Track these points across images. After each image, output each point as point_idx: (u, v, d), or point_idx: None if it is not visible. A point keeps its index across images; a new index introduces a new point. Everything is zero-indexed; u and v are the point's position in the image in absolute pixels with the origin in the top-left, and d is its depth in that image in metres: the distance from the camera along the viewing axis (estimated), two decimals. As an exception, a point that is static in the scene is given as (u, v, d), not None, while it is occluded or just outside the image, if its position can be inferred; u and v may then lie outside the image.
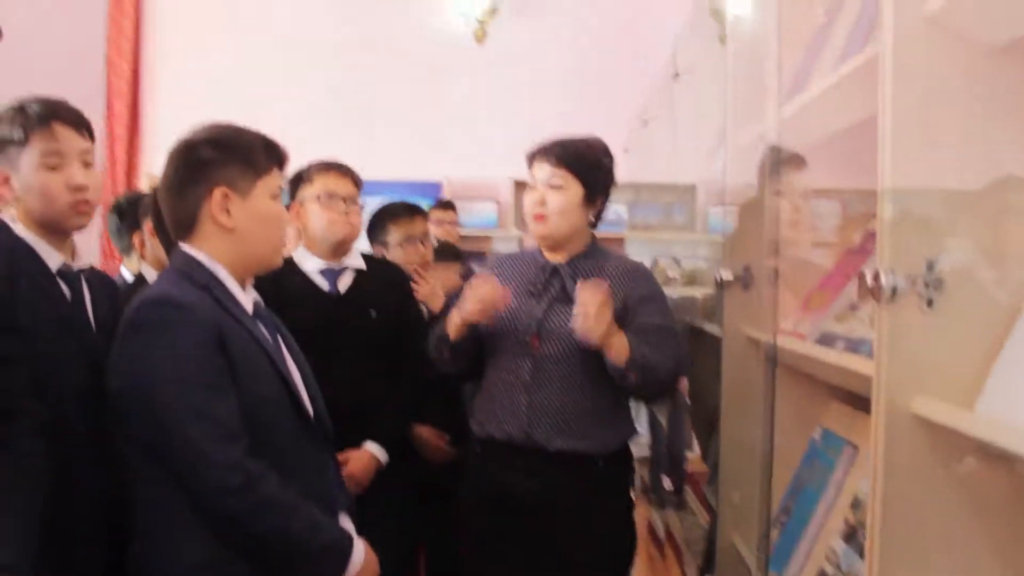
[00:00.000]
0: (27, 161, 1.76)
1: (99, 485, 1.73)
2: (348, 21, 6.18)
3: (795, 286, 1.88)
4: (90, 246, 2.93)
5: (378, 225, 3.15)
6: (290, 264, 2.64)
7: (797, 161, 1.98)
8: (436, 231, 4.28)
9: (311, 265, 2.63)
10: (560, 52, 6.09)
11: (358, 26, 6.17)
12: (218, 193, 1.72)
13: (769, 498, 1.77)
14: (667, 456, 3.22)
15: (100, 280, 1.95)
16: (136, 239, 2.74)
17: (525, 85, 6.08)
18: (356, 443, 2.53)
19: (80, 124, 1.84)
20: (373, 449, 2.54)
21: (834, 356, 1.47)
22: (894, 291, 1.10)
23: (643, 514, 3.65)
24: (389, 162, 5.91)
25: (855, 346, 1.48)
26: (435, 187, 5.99)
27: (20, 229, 1.78)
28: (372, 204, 4.07)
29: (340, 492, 1.91)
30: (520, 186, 5.93)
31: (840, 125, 1.66)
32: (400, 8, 6.18)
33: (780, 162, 1.77)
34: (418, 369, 2.66)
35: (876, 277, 1.11)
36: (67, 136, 1.80)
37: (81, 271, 1.85)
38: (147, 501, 1.66)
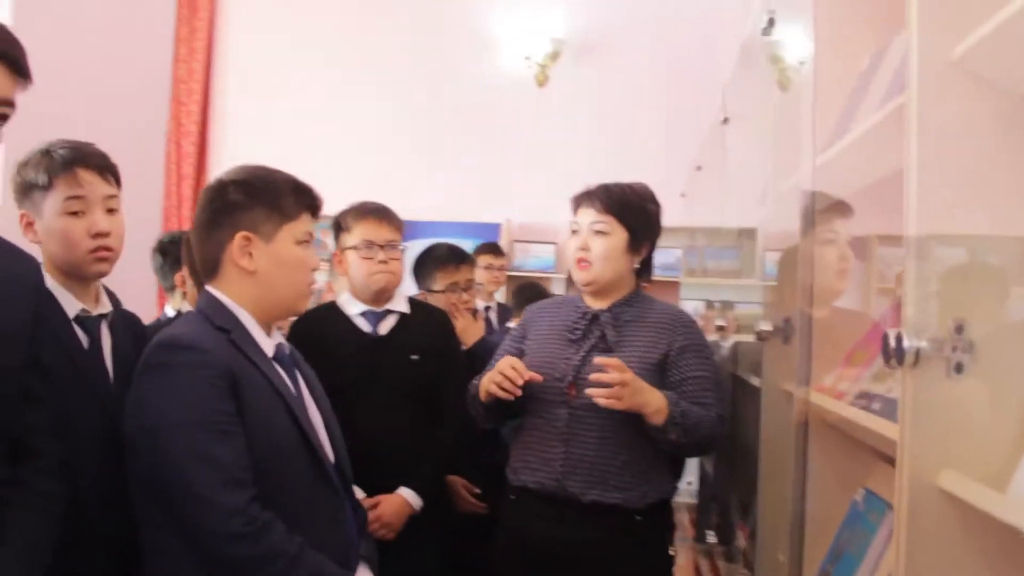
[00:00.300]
0: (50, 206, 1.78)
1: (110, 530, 1.73)
2: (413, 65, 6.27)
3: (839, 340, 1.80)
4: (148, 285, 2.97)
5: (423, 269, 3.12)
6: (334, 309, 2.65)
7: (843, 208, 1.91)
8: (483, 276, 4.25)
9: (354, 309, 2.62)
10: (620, 96, 6.09)
11: (422, 69, 6.26)
12: (239, 237, 1.73)
13: (801, 563, 1.68)
14: (714, 506, 3.12)
15: (127, 323, 1.97)
16: (178, 278, 2.77)
17: (585, 129, 6.08)
18: (391, 487, 2.49)
19: (105, 169, 1.85)
20: (407, 495, 2.50)
21: (866, 418, 1.39)
22: (918, 355, 1.02)
23: (691, 561, 3.55)
24: (450, 203, 5.98)
25: (890, 409, 1.40)
26: (494, 228, 6.00)
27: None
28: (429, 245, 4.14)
29: (361, 542, 1.87)
30: (578, 229, 5.92)
31: (879, 173, 1.58)
32: (463, 52, 6.25)
33: (817, 210, 1.70)
34: (459, 416, 2.61)
35: (899, 339, 1.04)
36: (91, 182, 1.81)
37: (103, 316, 1.86)
38: (155, 545, 1.65)
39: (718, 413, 2.23)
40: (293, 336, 2.60)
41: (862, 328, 1.84)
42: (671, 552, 2.40)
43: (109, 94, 2.73)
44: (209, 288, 1.78)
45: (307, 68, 6.32)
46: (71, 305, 1.79)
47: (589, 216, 2.31)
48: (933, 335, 1.03)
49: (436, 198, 6.08)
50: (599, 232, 2.28)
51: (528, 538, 2.29)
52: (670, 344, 2.26)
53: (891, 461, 1.68)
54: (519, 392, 2.19)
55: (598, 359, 2.10)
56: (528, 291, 3.76)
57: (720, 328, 2.93)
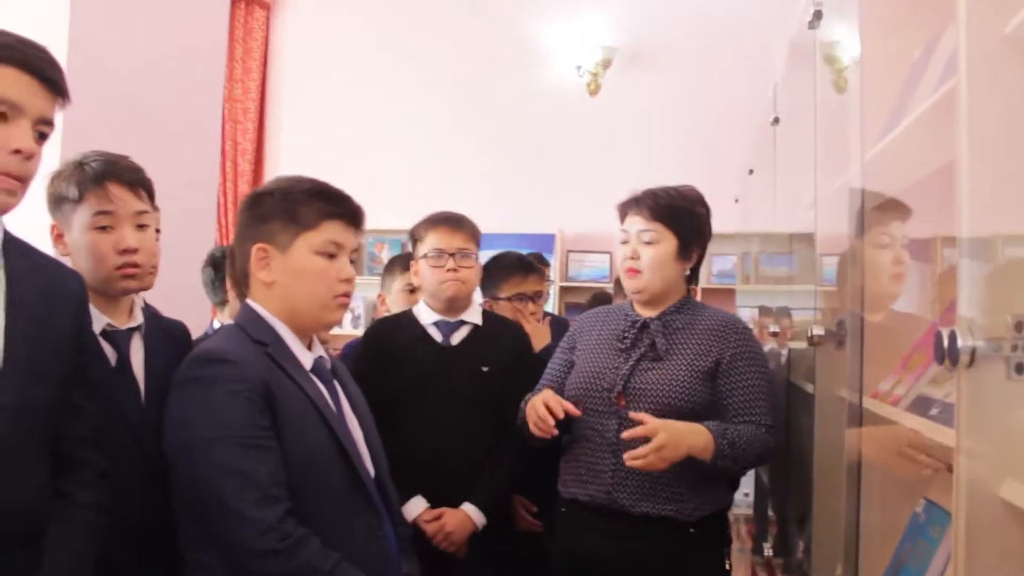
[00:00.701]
0: (79, 220, 1.78)
1: (141, 545, 1.73)
2: (464, 77, 6.29)
3: (896, 344, 1.73)
4: (205, 301, 3.00)
5: (490, 277, 3.03)
6: (409, 317, 2.64)
7: (897, 208, 1.83)
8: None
9: (427, 318, 2.59)
10: (672, 102, 6.03)
11: (474, 81, 6.28)
12: (255, 249, 1.73)
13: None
14: (770, 517, 3.04)
15: (167, 335, 1.96)
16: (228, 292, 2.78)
17: (637, 136, 6.04)
18: (454, 499, 2.45)
19: (137, 184, 1.84)
20: (470, 511, 2.44)
21: (923, 424, 1.31)
22: (973, 355, 0.95)
23: (750, 574, 3.46)
24: (504, 214, 5.96)
25: (949, 414, 1.32)
26: (549, 239, 5.98)
27: None
28: (485, 257, 4.07)
29: (403, 559, 1.84)
30: (633, 237, 5.86)
31: (930, 167, 1.51)
32: (515, 63, 6.25)
33: (867, 209, 1.63)
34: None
35: (952, 338, 0.97)
36: (121, 197, 1.80)
37: (134, 329, 1.86)
38: (195, 562, 1.64)
39: (768, 425, 2.16)
40: (366, 340, 2.66)
41: (919, 331, 1.76)
42: (727, 566, 2.32)
43: (164, 112, 2.75)
44: (249, 301, 1.78)
45: (359, 83, 6.38)
46: (97, 320, 1.78)
47: (637, 224, 2.26)
48: (991, 334, 0.95)
49: (490, 209, 6.02)
50: (648, 241, 2.24)
51: (580, 552, 2.24)
52: (721, 352, 2.20)
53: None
54: (555, 432, 2.14)
55: (628, 433, 2.04)
56: (603, 299, 3.64)
57: (774, 334, 2.84)
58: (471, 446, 2.46)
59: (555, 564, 2.34)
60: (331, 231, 1.74)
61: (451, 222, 2.59)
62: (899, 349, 1.73)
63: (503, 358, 2.57)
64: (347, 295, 1.78)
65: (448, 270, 2.52)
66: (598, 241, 6.08)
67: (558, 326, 4.01)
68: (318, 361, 1.80)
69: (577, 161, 6.13)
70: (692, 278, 2.35)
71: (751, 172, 3.74)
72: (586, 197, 6.06)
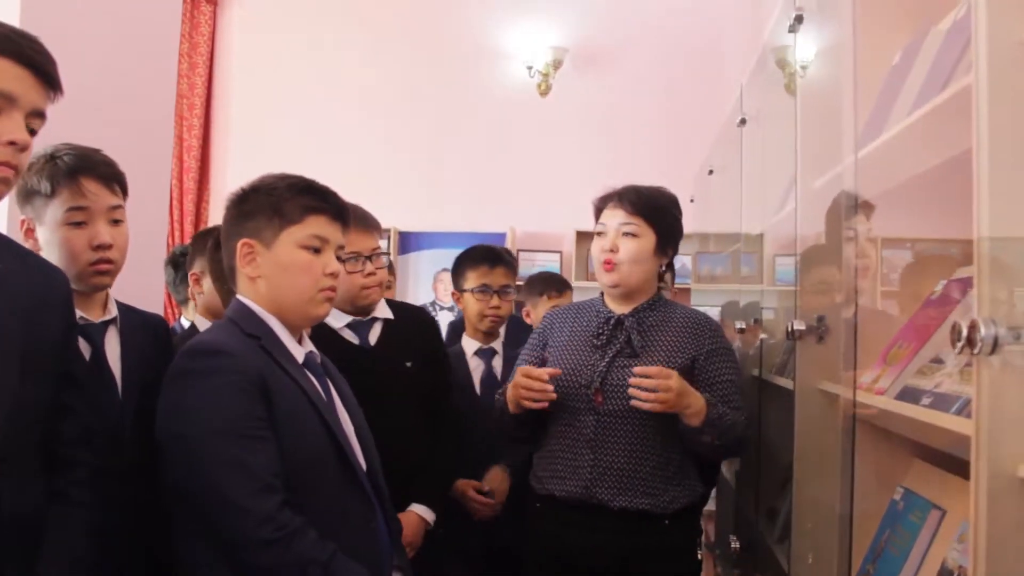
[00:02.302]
0: (51, 215, 1.75)
1: (126, 540, 1.71)
2: (413, 76, 6.26)
3: (867, 338, 1.79)
4: (156, 298, 2.94)
5: (457, 268, 3.00)
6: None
7: (865, 207, 1.90)
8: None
9: (336, 321, 2.44)
10: (623, 104, 6.09)
11: (425, 81, 6.25)
12: (241, 245, 1.75)
13: (850, 563, 1.66)
14: (734, 513, 3.10)
15: (142, 327, 1.92)
16: (190, 291, 2.73)
17: (589, 137, 6.08)
18: (401, 503, 2.39)
19: (111, 179, 1.82)
20: (420, 511, 2.43)
21: (920, 413, 1.37)
22: (995, 342, 1.00)
23: (709, 572, 3.52)
24: (455, 213, 5.97)
25: (944, 403, 1.38)
26: (500, 238, 5.98)
27: None
28: (434, 256, 4.06)
29: (395, 551, 1.86)
30: (583, 237, 5.91)
31: (923, 166, 1.57)
32: (465, 63, 6.24)
33: (848, 207, 1.69)
34: (457, 419, 2.58)
35: (973, 327, 1.01)
36: (95, 192, 1.78)
37: (108, 322, 1.83)
38: (188, 554, 1.64)
39: (746, 416, 2.23)
40: None
41: (893, 326, 1.83)
42: (699, 556, 2.38)
43: (115, 106, 2.70)
44: (239, 296, 1.79)
45: (307, 80, 6.31)
46: None
47: (618, 217, 2.28)
48: (1010, 323, 1.00)
49: (441, 209, 6.08)
50: (628, 234, 2.26)
51: (556, 546, 2.27)
52: (698, 349, 2.24)
53: (931, 459, 1.67)
54: (553, 396, 2.17)
55: (640, 369, 2.08)
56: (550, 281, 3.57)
57: (741, 331, 2.91)
58: (410, 445, 2.40)
59: (530, 557, 2.36)
60: (315, 226, 1.76)
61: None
62: (874, 343, 1.79)
63: (422, 349, 2.55)
64: (332, 289, 1.79)
65: (367, 274, 2.43)
66: (549, 240, 6.12)
67: (513, 325, 4.03)
68: (309, 356, 1.82)
69: (528, 161, 6.15)
70: (661, 277, 2.39)
71: (711, 172, 3.81)
72: (537, 196, 6.11)
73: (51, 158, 1.76)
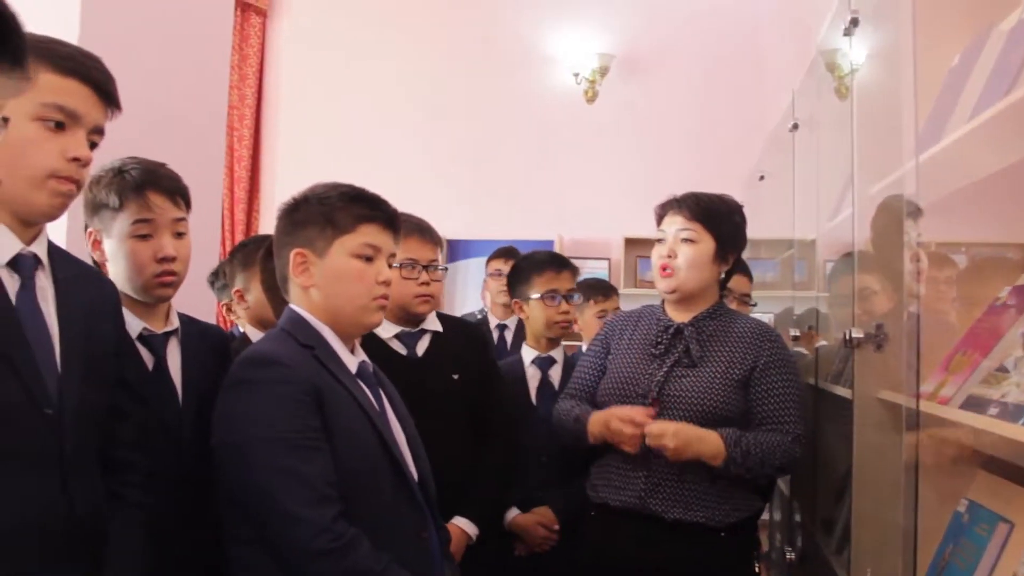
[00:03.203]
0: (119, 227, 1.79)
1: (183, 547, 1.74)
2: (460, 84, 6.30)
3: (925, 345, 1.75)
4: (210, 306, 2.98)
5: (519, 276, 2.84)
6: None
7: (915, 212, 1.86)
8: (495, 284, 3.99)
9: (385, 331, 2.42)
10: (670, 109, 6.07)
11: (470, 88, 6.28)
12: (294, 254, 1.76)
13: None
14: (789, 522, 3.05)
15: (201, 337, 1.96)
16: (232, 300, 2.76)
17: (636, 144, 6.07)
18: (445, 516, 2.32)
19: (176, 192, 1.86)
20: (463, 524, 2.38)
21: (988, 424, 1.33)
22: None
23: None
24: (502, 221, 5.97)
25: (1012, 413, 1.34)
26: (547, 245, 5.97)
27: None
28: (482, 264, 4.06)
29: (444, 563, 1.86)
30: (631, 243, 5.89)
31: (985, 171, 1.54)
32: (512, 70, 6.26)
33: (909, 213, 1.65)
34: (508, 433, 2.54)
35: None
36: (161, 205, 1.82)
37: (170, 333, 1.86)
38: (242, 562, 1.65)
39: (797, 434, 2.17)
40: None
41: (951, 332, 1.78)
42: (756, 569, 2.34)
43: (170, 117, 2.74)
44: (292, 306, 1.80)
45: (355, 88, 6.37)
46: (134, 324, 1.80)
47: (676, 223, 2.27)
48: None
49: (488, 216, 6.09)
50: (687, 240, 2.24)
51: (609, 557, 2.25)
52: (755, 360, 2.21)
53: (997, 470, 1.63)
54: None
55: (649, 427, 2.09)
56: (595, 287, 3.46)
57: (796, 339, 2.86)
58: (455, 458, 2.36)
59: (582, 567, 2.34)
60: (367, 234, 1.76)
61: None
62: (933, 350, 1.75)
63: (470, 363, 2.52)
64: (385, 297, 1.79)
65: (421, 283, 2.41)
66: (597, 247, 6.10)
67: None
68: (362, 365, 1.82)
69: (575, 167, 6.15)
70: (723, 286, 2.36)
71: (761, 178, 3.76)
72: (585, 203, 6.10)
73: (119, 172, 1.81)
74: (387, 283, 1.79)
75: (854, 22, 1.95)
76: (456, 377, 2.47)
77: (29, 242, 1.44)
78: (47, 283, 1.46)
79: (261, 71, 6.56)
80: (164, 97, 2.73)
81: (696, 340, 2.24)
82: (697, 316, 2.28)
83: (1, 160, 1.38)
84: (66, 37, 2.44)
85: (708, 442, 2.09)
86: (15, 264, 1.41)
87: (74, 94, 1.43)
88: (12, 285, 1.39)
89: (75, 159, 1.42)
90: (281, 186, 6.31)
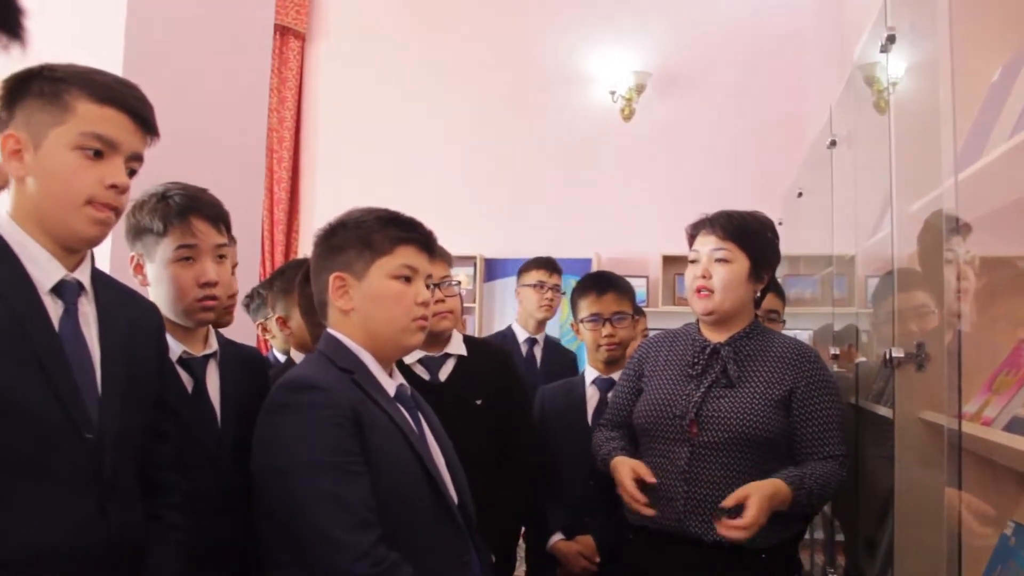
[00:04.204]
0: (162, 252, 1.82)
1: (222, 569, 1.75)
2: (496, 103, 6.34)
3: (967, 364, 1.72)
4: (249, 329, 3.02)
5: (571, 301, 2.90)
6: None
7: (963, 228, 1.83)
8: (532, 297, 3.81)
9: (409, 357, 2.42)
10: (707, 127, 6.06)
11: (509, 107, 6.33)
12: (333, 279, 1.77)
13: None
14: (831, 543, 3.00)
15: (240, 360, 1.98)
16: (274, 323, 2.78)
17: (673, 161, 6.06)
18: None
19: (218, 219, 1.88)
20: None
21: (1031, 446, 1.30)
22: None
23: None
24: (540, 239, 5.99)
25: (1055, 434, 1.32)
26: (586, 263, 5.99)
27: None
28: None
29: None
30: (669, 261, 5.87)
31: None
32: (548, 88, 6.29)
33: (956, 231, 1.63)
34: (528, 460, 2.54)
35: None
36: (204, 231, 1.84)
37: (209, 356, 1.89)
38: None
39: (841, 455, 2.14)
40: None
41: (994, 351, 1.75)
42: (797, 591, 2.31)
43: (210, 141, 2.79)
44: (330, 330, 1.81)
45: (394, 109, 6.44)
46: (174, 347, 1.82)
47: (710, 243, 2.24)
48: None
49: (526, 235, 6.11)
50: (721, 260, 2.22)
51: None
52: (796, 381, 2.17)
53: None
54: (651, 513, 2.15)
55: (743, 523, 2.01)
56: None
57: (835, 357, 2.83)
58: (476, 484, 2.29)
59: None
60: (405, 255, 1.78)
61: (545, 264, 2.65)
62: (979, 370, 1.72)
63: (494, 388, 2.49)
64: (425, 318, 1.80)
65: (437, 301, 2.37)
66: (635, 265, 6.08)
67: (559, 355, 3.89)
68: (400, 388, 1.82)
69: (613, 185, 6.16)
70: (759, 304, 2.34)
71: (800, 195, 3.73)
72: (622, 221, 6.10)
73: (162, 197, 1.83)
74: (426, 304, 1.80)
75: (891, 39, 1.93)
76: (479, 403, 2.45)
77: (73, 268, 1.47)
78: (90, 308, 1.49)
79: (300, 93, 6.65)
80: (205, 120, 2.78)
81: (734, 360, 2.22)
82: (734, 336, 2.26)
83: (43, 188, 1.42)
84: (110, 62, 2.53)
85: (779, 497, 2.03)
86: (59, 290, 1.44)
87: (112, 122, 1.45)
88: (55, 311, 1.42)
89: (113, 186, 1.45)
90: (320, 207, 6.39)
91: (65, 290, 1.44)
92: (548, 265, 3.89)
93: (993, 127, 1.63)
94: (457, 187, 6.22)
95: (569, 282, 5.95)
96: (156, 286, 1.84)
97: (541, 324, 3.85)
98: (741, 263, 2.22)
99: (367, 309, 1.76)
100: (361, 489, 1.58)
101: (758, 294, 2.29)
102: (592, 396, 2.78)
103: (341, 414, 1.62)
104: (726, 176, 5.84)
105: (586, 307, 2.76)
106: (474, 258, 6.09)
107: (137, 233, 1.84)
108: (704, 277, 2.23)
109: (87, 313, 1.48)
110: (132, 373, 1.52)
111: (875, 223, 2.50)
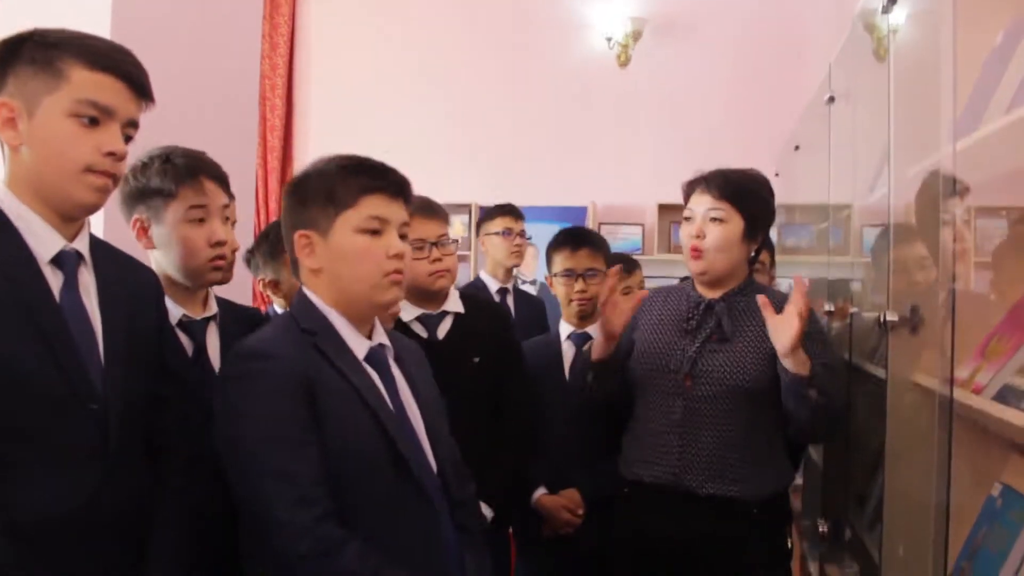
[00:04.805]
0: (172, 213, 1.82)
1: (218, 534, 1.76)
2: (493, 51, 6.26)
3: (961, 324, 1.73)
4: (245, 288, 3.01)
5: (546, 256, 2.93)
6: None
7: (961, 191, 1.83)
8: (500, 245, 3.78)
9: (407, 314, 2.44)
10: (704, 74, 6.00)
11: (502, 53, 6.24)
12: (297, 237, 1.68)
13: (945, 561, 1.62)
14: (822, 494, 3.06)
15: (240, 321, 1.99)
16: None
17: (669, 109, 6.01)
18: None
19: (223, 180, 1.90)
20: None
21: (1019, 418, 1.32)
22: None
23: (796, 556, 3.48)
24: (535, 187, 5.97)
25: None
26: (581, 211, 5.98)
27: None
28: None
29: (470, 551, 1.77)
30: (665, 209, 5.86)
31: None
32: (543, 35, 6.21)
33: (954, 194, 1.63)
34: (524, 416, 2.56)
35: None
36: (213, 191, 1.86)
37: (209, 319, 1.89)
38: (249, 554, 1.64)
39: (841, 398, 2.18)
40: None
41: (989, 311, 1.76)
42: (788, 544, 2.36)
43: (201, 92, 2.76)
44: (303, 288, 1.73)
45: (389, 56, 6.35)
46: (174, 311, 1.83)
47: (705, 203, 2.24)
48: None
49: (521, 183, 6.07)
50: (715, 219, 2.22)
51: (643, 534, 2.27)
52: None
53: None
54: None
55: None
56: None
57: (830, 313, 2.85)
58: (472, 442, 2.31)
59: (617, 543, 2.36)
60: (372, 206, 1.66)
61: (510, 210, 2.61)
62: (971, 333, 1.73)
63: (492, 345, 2.52)
64: (399, 271, 1.69)
65: (433, 259, 2.41)
66: (631, 213, 6.08)
67: (528, 306, 3.88)
68: (375, 350, 1.73)
69: (608, 133, 6.11)
70: (753, 262, 2.35)
71: (797, 148, 3.72)
72: (618, 169, 6.07)
73: (167, 159, 1.84)
74: (399, 256, 1.68)
75: (892, 0, 1.90)
76: (477, 360, 2.46)
77: (72, 238, 1.47)
78: (89, 278, 1.50)
79: (292, 39, 6.55)
80: (196, 69, 2.75)
81: (728, 315, 2.24)
82: (728, 292, 2.28)
83: (39, 157, 1.41)
84: (98, 9, 2.49)
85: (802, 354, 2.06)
86: (59, 261, 1.44)
87: (107, 89, 1.44)
88: (56, 282, 1.43)
89: (110, 153, 1.44)
90: (315, 155, 6.30)
91: (65, 260, 1.45)
92: (513, 212, 3.88)
93: (993, 93, 1.62)
94: (451, 135, 6.17)
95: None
96: (165, 248, 1.84)
97: (510, 272, 3.84)
98: (736, 223, 2.22)
99: (335, 267, 1.66)
100: (309, 463, 1.53)
101: (752, 254, 2.30)
102: (568, 351, 2.81)
103: (291, 382, 1.56)
104: (722, 125, 5.81)
105: (560, 262, 2.78)
106: (469, 206, 6.07)
107: (141, 196, 1.84)
108: (698, 237, 2.24)
109: (87, 283, 1.49)
110: (133, 341, 1.53)
111: (872, 180, 2.50)
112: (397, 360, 1.79)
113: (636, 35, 5.99)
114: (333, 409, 1.58)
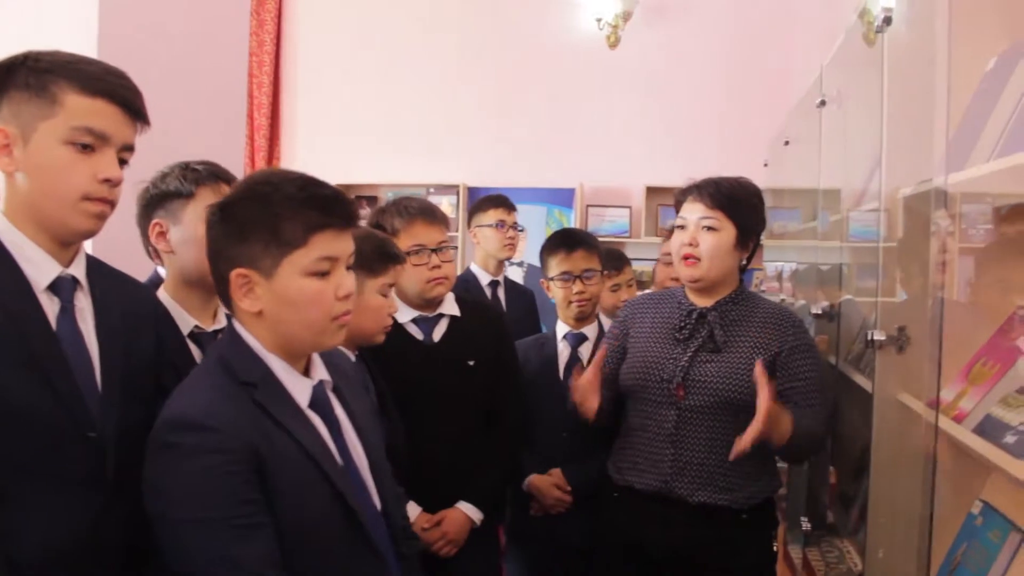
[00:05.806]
0: (192, 214, 1.81)
1: None
2: (481, 29, 6.21)
3: (955, 348, 1.75)
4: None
5: (540, 259, 2.91)
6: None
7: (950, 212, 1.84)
8: (492, 238, 3.74)
9: (403, 315, 2.40)
10: (694, 58, 5.97)
11: (491, 33, 6.20)
12: (235, 275, 1.47)
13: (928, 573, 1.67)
14: (807, 493, 3.10)
15: None
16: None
17: (658, 91, 5.99)
18: (450, 499, 2.42)
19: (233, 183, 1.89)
20: (467, 509, 2.41)
21: (1001, 459, 1.35)
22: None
23: (779, 549, 3.53)
24: (523, 168, 5.96)
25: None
26: (569, 193, 5.98)
27: (160, 292, 1.84)
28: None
29: None
30: (653, 192, 5.87)
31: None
32: (532, 14, 6.16)
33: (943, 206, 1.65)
34: (517, 421, 2.58)
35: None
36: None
37: (219, 331, 1.89)
38: None
39: (826, 417, 2.21)
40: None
41: (976, 328, 1.78)
42: (774, 548, 2.40)
43: (188, 91, 2.74)
44: (236, 326, 1.54)
45: (375, 38, 6.29)
46: (185, 322, 1.82)
47: (698, 211, 2.26)
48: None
49: (509, 164, 6.06)
50: (709, 228, 2.24)
51: (632, 540, 2.29)
52: (780, 345, 2.22)
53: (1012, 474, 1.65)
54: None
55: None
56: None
57: (818, 316, 2.87)
58: (464, 445, 2.41)
59: (603, 548, 2.39)
60: (322, 246, 1.48)
61: (426, 214, 2.48)
62: (958, 353, 1.75)
63: (486, 349, 2.51)
64: (347, 313, 1.54)
65: (432, 267, 2.40)
66: (618, 195, 6.07)
67: (520, 298, 3.87)
68: (317, 390, 1.58)
69: (597, 114, 6.08)
70: (744, 270, 2.37)
71: (786, 143, 3.72)
72: (607, 151, 6.06)
73: (186, 167, 1.86)
74: (348, 296, 1.52)
75: (887, 20, 1.90)
76: (472, 363, 2.47)
77: (67, 263, 1.47)
78: (86, 303, 1.49)
79: (279, 32, 6.47)
80: (183, 66, 2.73)
81: (720, 325, 2.26)
82: (720, 301, 2.29)
83: (35, 184, 1.41)
84: (85, 4, 2.46)
85: (786, 424, 2.06)
86: (55, 288, 1.44)
87: (102, 114, 1.43)
88: (52, 309, 1.43)
89: (106, 180, 1.44)
90: (302, 152, 6.28)
91: (61, 287, 1.44)
92: (505, 203, 3.82)
93: (986, 121, 1.64)
94: (440, 116, 6.13)
95: (553, 211, 6.03)
96: (183, 249, 1.83)
97: (501, 264, 3.81)
98: (728, 231, 2.25)
99: (277, 312, 1.48)
100: (259, 546, 1.38)
101: (744, 261, 2.32)
102: (563, 351, 2.83)
103: (235, 459, 1.38)
104: (712, 108, 5.80)
105: (556, 265, 2.79)
106: (457, 187, 6.06)
107: (160, 200, 1.85)
108: (691, 245, 2.25)
109: (83, 308, 1.48)
110: (131, 364, 1.53)
111: (859, 197, 2.51)
112: (335, 391, 1.65)
113: (626, 16, 5.94)
114: (284, 479, 1.43)
